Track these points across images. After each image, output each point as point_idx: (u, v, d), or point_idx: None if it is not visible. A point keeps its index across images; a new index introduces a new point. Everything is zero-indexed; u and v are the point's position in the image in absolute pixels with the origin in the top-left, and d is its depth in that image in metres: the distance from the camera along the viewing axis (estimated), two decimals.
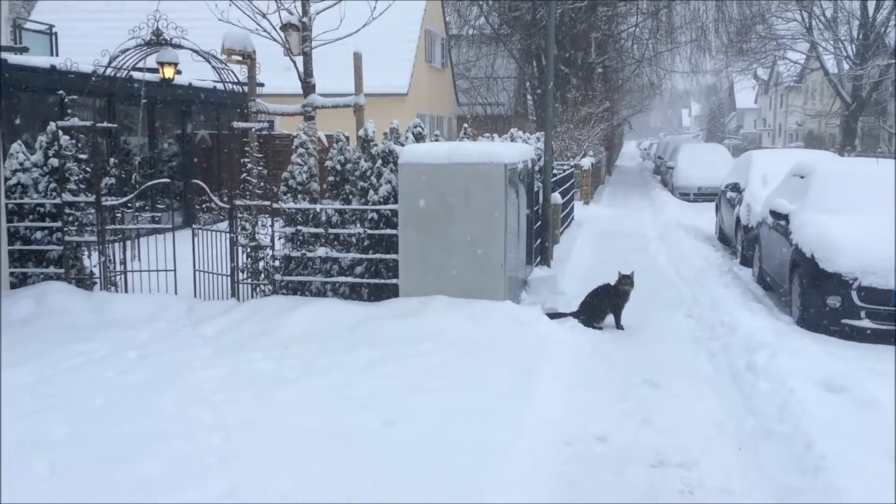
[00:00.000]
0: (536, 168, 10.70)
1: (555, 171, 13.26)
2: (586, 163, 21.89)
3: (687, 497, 4.42)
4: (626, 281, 8.17)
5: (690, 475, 4.67)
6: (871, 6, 31.39)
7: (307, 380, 6.05)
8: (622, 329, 8.05)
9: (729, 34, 32.72)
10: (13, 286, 8.60)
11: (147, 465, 4.47)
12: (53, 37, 18.27)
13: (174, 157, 15.57)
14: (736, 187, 13.38)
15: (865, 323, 7.56)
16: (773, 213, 9.47)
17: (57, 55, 17.71)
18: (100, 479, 4.31)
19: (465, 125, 10.79)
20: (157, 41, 8.24)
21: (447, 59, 31.16)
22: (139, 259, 9.28)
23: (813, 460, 4.53)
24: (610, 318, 8.15)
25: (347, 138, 8.66)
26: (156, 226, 9.95)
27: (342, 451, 4.73)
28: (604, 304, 8.15)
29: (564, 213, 14.88)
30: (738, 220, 12.53)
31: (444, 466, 4.51)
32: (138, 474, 4.37)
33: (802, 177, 9.67)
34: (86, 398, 5.60)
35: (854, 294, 7.58)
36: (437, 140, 9.58)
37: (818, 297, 7.82)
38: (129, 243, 8.87)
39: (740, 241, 12.29)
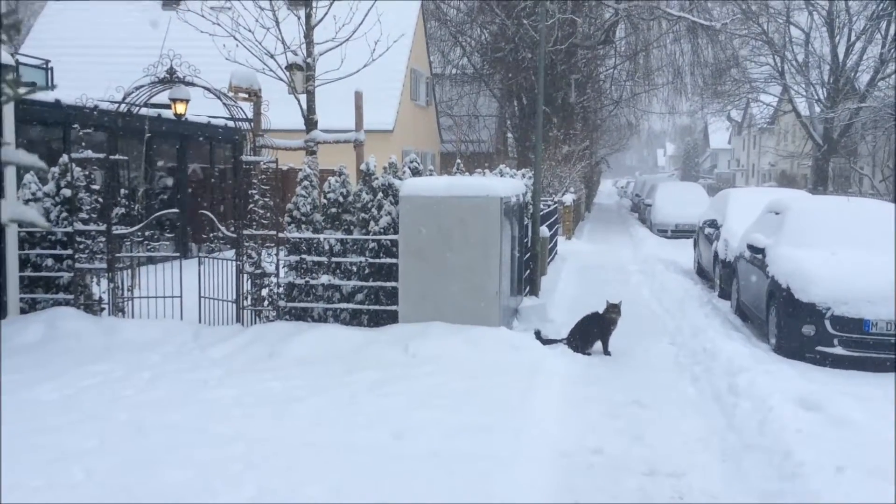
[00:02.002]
0: (525, 202, 11.18)
1: (541, 206, 13.74)
2: (568, 199, 22.48)
3: (678, 501, 4.82)
4: (613, 309, 8.61)
5: (680, 483, 5.07)
6: (841, 51, 32.57)
7: (316, 398, 6.40)
8: (609, 355, 8.47)
9: (704, 77, 33.73)
10: (23, 311, 8.88)
11: (178, 472, 4.80)
12: (49, 71, 18.64)
13: (167, 189, 15.93)
14: (713, 223, 13.94)
15: (838, 350, 8.05)
16: (750, 248, 10.00)
17: (52, 89, 18.04)
18: (135, 484, 4.64)
19: (458, 161, 11.28)
20: (170, 79, 8.66)
21: (431, 97, 31.85)
22: (140, 287, 9.59)
23: (791, 468, 4.96)
24: (598, 345, 8.57)
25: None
26: (165, 254, 10.28)
27: (358, 460, 5.09)
28: (592, 331, 8.58)
29: (549, 246, 15.36)
30: (716, 254, 13.06)
31: (454, 474, 4.88)
32: (171, 479, 4.70)
33: (778, 213, 10.22)
34: (109, 414, 5.91)
35: (827, 323, 8.07)
36: (430, 175, 10.04)
37: (794, 326, 8.30)
38: (136, 271, 9.19)
39: (718, 275, 12.81)
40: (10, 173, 8.64)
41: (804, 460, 4.97)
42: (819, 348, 8.13)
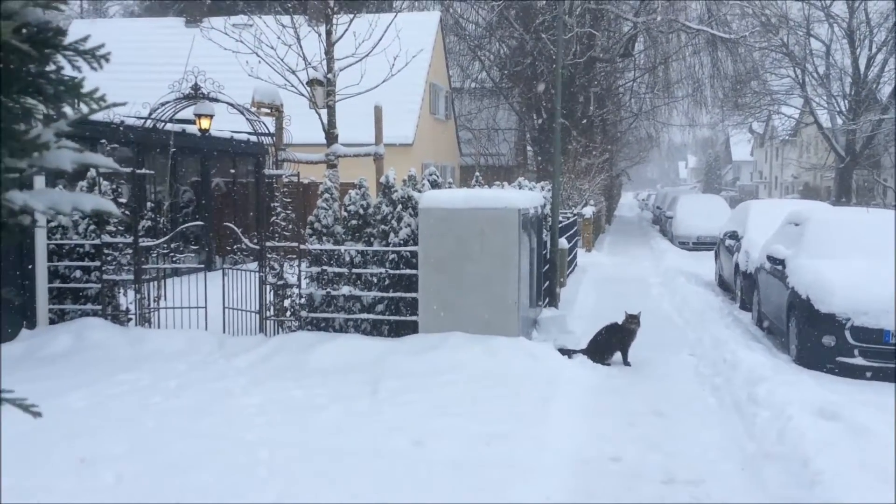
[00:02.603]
0: (544, 214, 11.26)
1: (560, 219, 13.82)
2: (588, 212, 22.52)
3: None
4: (632, 320, 8.65)
5: (698, 490, 5.11)
6: (862, 63, 32.45)
7: (337, 406, 6.50)
8: (629, 365, 8.51)
9: (724, 89, 33.69)
10: (52, 322, 9.08)
11: (204, 476, 4.92)
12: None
13: (192, 202, 16.17)
14: (734, 235, 13.95)
15: (858, 360, 8.04)
16: (770, 259, 10.01)
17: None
18: (163, 488, 4.76)
19: (477, 174, 11.39)
20: (195, 95, 8.85)
21: (450, 111, 32.06)
22: (165, 298, 9.77)
23: (810, 476, 4.99)
24: (617, 356, 8.61)
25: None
26: (190, 266, 10.46)
27: (378, 466, 5.18)
28: (612, 342, 8.62)
29: (569, 258, 15.42)
30: (736, 266, 13.06)
31: (473, 480, 4.96)
32: (197, 483, 4.82)
33: (797, 224, 10.23)
34: (137, 420, 6.05)
35: (847, 333, 8.07)
36: (450, 187, 10.15)
37: (814, 337, 8.31)
38: (162, 282, 9.37)
39: (739, 287, 12.80)
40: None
41: (822, 468, 5.00)
42: (839, 359, 8.13)
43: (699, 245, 24.54)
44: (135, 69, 24.77)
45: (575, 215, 19.29)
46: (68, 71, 2.11)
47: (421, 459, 5.33)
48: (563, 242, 13.06)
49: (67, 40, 2.27)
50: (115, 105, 3.44)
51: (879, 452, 5.33)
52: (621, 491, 5.09)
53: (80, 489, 4.71)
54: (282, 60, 10.18)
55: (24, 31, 1.87)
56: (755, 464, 5.54)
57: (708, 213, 25.25)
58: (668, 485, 5.20)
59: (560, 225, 13.37)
